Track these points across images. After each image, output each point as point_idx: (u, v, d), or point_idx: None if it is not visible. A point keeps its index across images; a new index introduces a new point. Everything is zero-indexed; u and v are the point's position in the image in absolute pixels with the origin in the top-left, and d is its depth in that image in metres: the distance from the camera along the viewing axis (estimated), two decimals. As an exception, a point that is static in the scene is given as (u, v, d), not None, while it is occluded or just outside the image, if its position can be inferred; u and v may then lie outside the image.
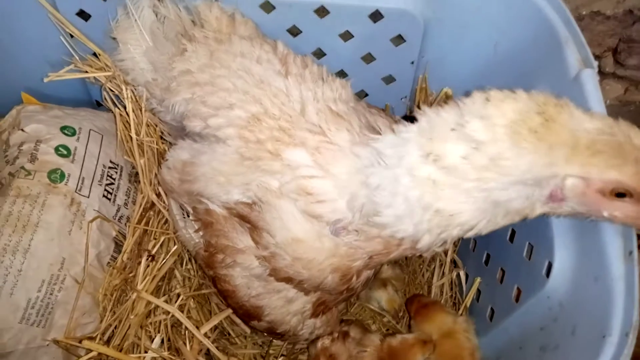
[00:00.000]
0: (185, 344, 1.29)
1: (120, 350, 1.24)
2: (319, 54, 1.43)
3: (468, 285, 1.45)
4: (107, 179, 1.37)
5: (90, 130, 1.40)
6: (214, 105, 1.13)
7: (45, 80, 1.35)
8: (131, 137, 1.38)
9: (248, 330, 1.47)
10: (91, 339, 1.23)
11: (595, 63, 1.06)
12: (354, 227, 1.00)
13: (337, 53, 1.42)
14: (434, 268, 1.58)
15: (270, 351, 1.51)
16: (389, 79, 1.50)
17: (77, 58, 1.38)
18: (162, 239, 1.40)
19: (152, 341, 1.27)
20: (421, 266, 1.65)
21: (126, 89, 1.34)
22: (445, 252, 1.56)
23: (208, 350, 1.29)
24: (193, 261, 1.49)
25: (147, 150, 1.39)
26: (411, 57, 1.41)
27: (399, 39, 1.37)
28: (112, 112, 1.43)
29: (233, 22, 1.24)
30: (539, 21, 1.17)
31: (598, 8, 1.45)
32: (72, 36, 1.35)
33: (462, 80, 1.41)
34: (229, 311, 1.32)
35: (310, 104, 1.08)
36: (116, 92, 1.39)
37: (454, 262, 1.55)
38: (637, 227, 0.86)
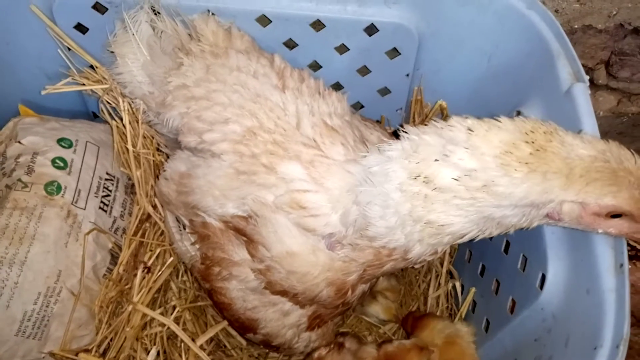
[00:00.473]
0: (181, 356, 1.30)
1: (116, 363, 1.24)
2: (315, 66, 1.44)
3: (464, 296, 1.46)
4: (103, 191, 1.38)
5: (87, 142, 1.40)
6: (209, 120, 1.13)
7: (43, 92, 1.36)
8: (127, 149, 1.39)
9: (244, 342, 1.48)
10: (87, 351, 1.23)
11: (587, 77, 1.08)
12: (348, 242, 1.01)
13: (333, 66, 1.43)
14: (430, 279, 1.58)
15: (266, 363, 1.52)
16: (385, 91, 1.51)
17: (75, 71, 1.39)
18: (158, 250, 1.40)
19: (148, 353, 1.26)
20: (417, 277, 1.65)
21: (123, 101, 1.35)
22: (442, 263, 1.57)
23: (204, 362, 1.29)
24: (189, 273, 1.49)
25: (143, 162, 1.40)
26: (406, 70, 1.43)
27: (394, 52, 1.38)
28: (109, 124, 1.43)
29: (229, 36, 1.25)
30: (531, 35, 1.19)
31: (590, 22, 1.47)
32: (69, 49, 1.36)
33: (457, 92, 1.43)
34: (225, 323, 1.32)
35: (306, 118, 1.09)
36: (113, 105, 1.39)
37: (449, 273, 1.56)
38: (631, 240, 0.88)
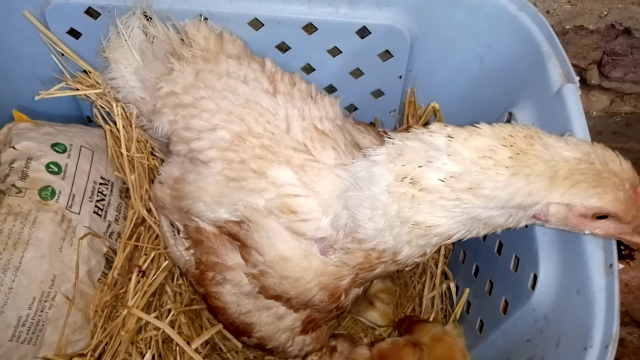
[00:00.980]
0: (176, 359, 1.30)
1: (111, 367, 1.25)
2: (308, 69, 1.45)
3: (458, 297, 1.46)
4: (97, 195, 1.38)
5: (81, 146, 1.41)
6: (197, 128, 1.14)
7: (37, 98, 1.36)
8: (122, 153, 1.39)
9: (240, 345, 1.48)
10: (82, 355, 1.23)
11: (577, 78, 1.08)
12: (340, 246, 1.01)
13: (326, 68, 1.44)
14: (425, 280, 1.59)
15: (263, 366, 1.52)
16: (378, 93, 1.52)
17: (68, 75, 1.39)
18: (152, 254, 1.40)
19: (143, 357, 1.28)
20: (412, 278, 1.65)
21: (117, 105, 1.35)
22: (436, 264, 1.57)
23: (200, 365, 1.29)
24: (184, 276, 1.49)
25: (137, 166, 1.40)
26: (399, 72, 1.43)
27: (386, 54, 1.38)
28: (103, 128, 1.44)
29: (221, 41, 1.25)
30: (522, 37, 1.20)
31: (581, 23, 1.47)
32: (63, 54, 1.36)
33: (450, 93, 1.44)
34: (220, 326, 1.33)
35: (296, 122, 1.09)
36: (107, 109, 1.40)
37: (444, 274, 1.56)
38: (618, 239, 0.89)
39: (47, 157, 1.34)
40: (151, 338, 1.33)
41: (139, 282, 1.36)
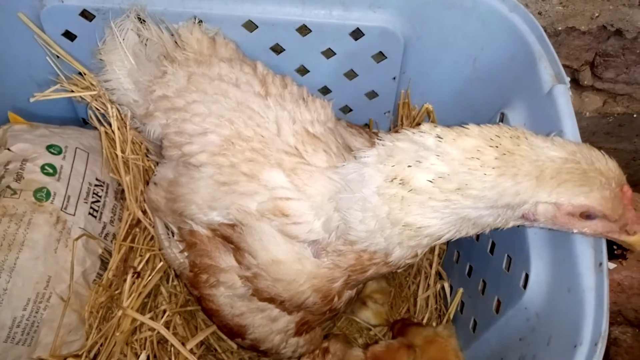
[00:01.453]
0: (171, 360, 1.30)
1: (106, 368, 1.25)
2: (303, 70, 1.45)
3: (452, 297, 1.47)
4: (93, 197, 1.39)
5: (76, 148, 1.41)
6: (188, 132, 1.14)
7: (32, 100, 1.37)
8: (117, 155, 1.40)
9: (235, 346, 1.48)
10: (77, 356, 1.24)
11: (568, 79, 1.09)
12: (332, 249, 1.02)
13: (320, 70, 1.45)
14: (420, 281, 1.59)
15: (257, 366, 1.52)
16: (372, 95, 1.53)
17: (63, 77, 1.40)
18: (147, 255, 1.41)
19: (138, 358, 1.28)
20: (407, 279, 1.66)
21: (111, 107, 1.36)
22: (431, 265, 1.58)
23: (195, 365, 1.30)
24: (178, 278, 1.50)
25: (132, 168, 1.41)
26: (393, 73, 1.44)
27: (380, 56, 1.39)
28: (98, 130, 1.44)
29: (214, 44, 1.26)
30: (514, 38, 1.21)
31: (573, 24, 1.48)
32: (58, 56, 1.37)
33: (443, 94, 1.45)
34: (215, 327, 1.33)
35: (287, 125, 1.10)
36: (102, 111, 1.40)
37: (439, 275, 1.57)
38: (607, 238, 0.90)
39: (42, 159, 1.34)
40: (146, 339, 1.34)
41: (134, 283, 1.37)
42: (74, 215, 1.32)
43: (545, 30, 1.25)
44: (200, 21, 1.28)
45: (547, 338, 0.96)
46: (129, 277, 1.35)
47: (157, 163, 1.36)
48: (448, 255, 1.57)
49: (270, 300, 1.13)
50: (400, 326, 1.39)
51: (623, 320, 1.68)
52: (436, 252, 1.57)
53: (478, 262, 1.36)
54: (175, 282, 1.50)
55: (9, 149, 1.34)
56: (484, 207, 0.84)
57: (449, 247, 1.58)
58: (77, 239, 1.29)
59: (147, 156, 1.44)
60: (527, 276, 1.06)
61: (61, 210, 1.30)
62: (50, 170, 1.34)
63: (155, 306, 1.44)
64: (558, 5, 1.44)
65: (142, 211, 1.42)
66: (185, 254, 1.23)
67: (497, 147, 0.81)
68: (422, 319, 1.52)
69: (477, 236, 1.35)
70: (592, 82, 1.69)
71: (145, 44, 1.26)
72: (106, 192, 1.43)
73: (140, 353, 1.29)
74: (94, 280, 1.33)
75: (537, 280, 1.03)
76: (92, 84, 1.38)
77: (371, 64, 1.41)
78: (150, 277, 1.39)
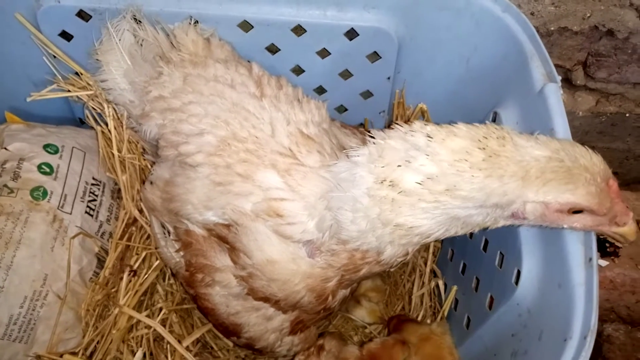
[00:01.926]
0: (167, 357, 1.31)
1: (103, 365, 1.26)
2: (298, 70, 1.47)
3: (446, 294, 1.48)
4: (89, 196, 1.39)
5: (73, 147, 1.42)
6: (185, 132, 1.15)
7: (28, 99, 1.38)
8: (113, 154, 1.41)
9: (231, 344, 1.49)
10: (73, 354, 1.24)
11: (559, 77, 1.11)
12: (326, 248, 1.03)
13: (316, 70, 1.46)
14: (414, 279, 1.60)
15: (253, 364, 1.53)
16: (367, 94, 1.54)
17: (60, 77, 1.41)
18: (144, 254, 1.42)
19: (134, 355, 1.28)
20: (402, 277, 1.67)
21: (108, 107, 1.37)
22: (425, 263, 1.59)
23: (190, 363, 1.30)
24: (175, 277, 1.50)
25: (129, 167, 1.42)
26: (387, 73, 1.45)
27: (374, 56, 1.40)
28: (95, 129, 1.45)
29: (209, 45, 1.27)
30: (507, 38, 1.22)
31: (565, 24, 1.50)
32: (54, 56, 1.37)
33: (437, 94, 1.46)
34: (211, 325, 1.34)
35: (281, 126, 1.11)
36: (98, 110, 1.41)
37: (433, 273, 1.58)
38: (597, 232, 0.91)
39: (39, 158, 1.35)
40: (142, 336, 1.35)
41: (130, 281, 1.38)
42: (70, 214, 1.33)
43: (538, 31, 1.26)
44: (196, 22, 1.29)
45: (538, 333, 0.97)
46: (125, 276, 1.36)
47: (154, 163, 1.37)
48: (442, 253, 1.59)
49: (265, 299, 1.14)
50: (396, 322, 1.40)
51: (616, 318, 1.70)
52: (431, 251, 1.58)
53: (471, 260, 1.37)
54: (172, 281, 1.51)
55: (6, 149, 1.35)
56: (473, 206, 0.85)
57: (444, 245, 1.59)
58: (73, 237, 1.30)
59: (143, 156, 1.45)
60: (519, 272, 1.07)
61: (58, 209, 1.31)
62: (47, 170, 1.34)
63: (152, 304, 1.44)
64: (550, 6, 1.46)
65: (138, 210, 1.43)
66: (181, 253, 1.23)
67: (484, 148, 0.82)
68: (417, 317, 1.53)
69: (471, 234, 1.36)
70: (584, 82, 1.71)
71: (141, 45, 1.27)
72: (103, 191, 1.44)
73: (137, 350, 1.30)
74: (91, 278, 1.34)
75: (528, 276, 1.04)
76: (88, 84, 1.39)
77: (366, 64, 1.42)
78: (146, 276, 1.40)
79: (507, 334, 1.10)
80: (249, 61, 1.31)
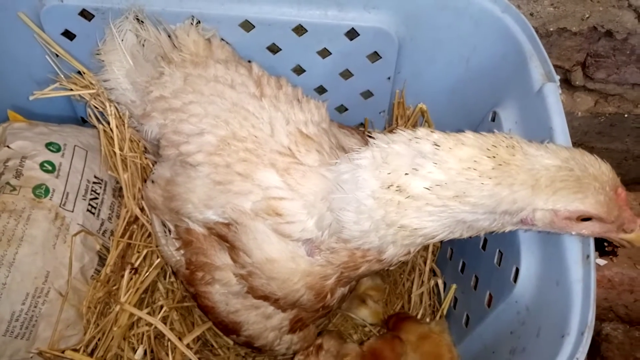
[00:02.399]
0: (168, 355, 1.32)
1: (104, 362, 1.27)
2: (299, 70, 1.47)
3: (445, 293, 1.49)
4: (91, 194, 1.40)
5: (75, 146, 1.43)
6: (185, 132, 1.16)
7: (31, 98, 1.39)
8: (115, 153, 1.41)
9: (231, 342, 1.50)
10: (75, 350, 1.25)
11: (557, 77, 1.12)
12: (326, 246, 1.03)
13: (316, 69, 1.47)
14: (414, 277, 1.61)
15: (253, 362, 1.54)
16: (367, 94, 1.55)
17: (62, 76, 1.42)
18: (145, 252, 1.42)
19: (135, 352, 1.29)
20: (402, 276, 1.68)
21: (110, 105, 1.38)
22: (425, 261, 1.60)
23: (191, 360, 1.31)
24: (175, 275, 1.51)
25: (130, 165, 1.42)
26: (387, 73, 1.46)
27: (375, 56, 1.41)
28: (97, 128, 1.46)
29: (210, 46, 1.28)
30: (506, 38, 1.23)
31: (564, 25, 1.51)
32: (57, 55, 1.38)
33: (437, 94, 1.47)
34: (211, 323, 1.35)
35: (280, 126, 1.12)
36: (100, 109, 1.42)
37: (432, 271, 1.59)
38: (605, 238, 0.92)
39: (41, 156, 1.36)
40: (143, 334, 1.35)
41: (131, 279, 1.38)
42: (72, 211, 1.34)
43: (537, 31, 1.27)
44: (198, 22, 1.30)
45: (536, 330, 0.98)
46: (126, 273, 1.37)
47: (155, 162, 1.38)
48: (442, 252, 1.59)
49: (265, 297, 1.15)
50: (395, 320, 1.41)
51: (614, 317, 1.70)
52: (430, 250, 1.59)
53: (471, 258, 1.38)
54: (172, 279, 1.51)
55: (8, 147, 1.36)
56: (482, 212, 0.86)
57: (443, 245, 1.60)
58: (75, 235, 1.31)
59: (144, 154, 1.45)
60: (517, 270, 1.08)
61: (60, 206, 1.32)
62: (49, 168, 1.35)
63: (153, 302, 1.45)
64: (549, 7, 1.47)
65: (139, 208, 1.44)
66: (182, 251, 1.24)
67: (494, 157, 0.83)
68: (416, 315, 1.54)
69: (471, 234, 1.37)
70: (583, 83, 1.72)
71: (143, 45, 1.28)
72: (104, 190, 1.45)
73: (138, 348, 1.30)
74: (92, 275, 1.35)
75: (527, 274, 1.05)
76: (91, 83, 1.40)
77: (366, 63, 1.43)
78: (147, 274, 1.41)
79: (505, 332, 1.10)
80: (249, 61, 1.33)
